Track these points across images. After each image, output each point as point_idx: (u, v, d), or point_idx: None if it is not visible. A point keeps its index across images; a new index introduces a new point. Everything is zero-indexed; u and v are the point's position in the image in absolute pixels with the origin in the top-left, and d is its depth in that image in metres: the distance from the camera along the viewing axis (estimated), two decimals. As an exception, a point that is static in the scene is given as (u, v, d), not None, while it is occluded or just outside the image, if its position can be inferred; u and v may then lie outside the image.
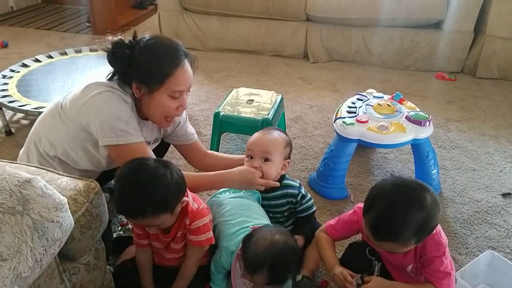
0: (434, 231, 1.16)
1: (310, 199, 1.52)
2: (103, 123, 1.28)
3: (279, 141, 1.46)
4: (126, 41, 1.35)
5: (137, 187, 1.14)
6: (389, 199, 1.10)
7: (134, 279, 1.36)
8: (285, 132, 1.57)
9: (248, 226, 1.37)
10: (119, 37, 1.35)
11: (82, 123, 1.31)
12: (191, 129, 1.66)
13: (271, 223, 1.43)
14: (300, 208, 1.50)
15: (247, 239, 1.23)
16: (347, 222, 1.32)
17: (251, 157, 1.45)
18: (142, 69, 1.33)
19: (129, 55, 1.32)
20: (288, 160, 1.50)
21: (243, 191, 1.51)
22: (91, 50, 2.87)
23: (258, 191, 1.49)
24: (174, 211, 1.21)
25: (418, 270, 1.23)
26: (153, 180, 1.15)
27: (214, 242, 1.33)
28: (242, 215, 1.40)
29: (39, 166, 1.16)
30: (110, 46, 1.34)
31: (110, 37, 1.35)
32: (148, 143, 1.49)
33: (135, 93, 1.36)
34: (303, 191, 1.50)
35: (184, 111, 1.49)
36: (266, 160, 1.42)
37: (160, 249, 1.35)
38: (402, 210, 1.08)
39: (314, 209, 1.53)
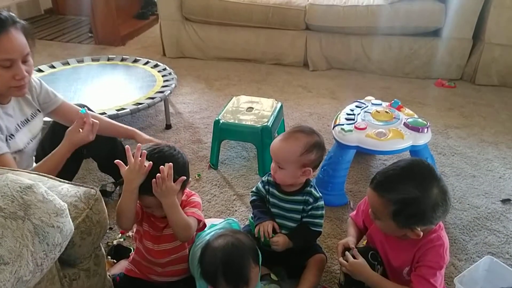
0: (442, 245, 1.18)
1: (321, 216, 1.45)
2: None
3: (293, 151, 1.36)
4: None
5: (162, 160, 1.22)
6: (402, 165, 1.18)
7: None
8: (315, 133, 1.43)
9: None
10: None
11: None
12: (53, 92, 1.60)
13: (284, 231, 1.44)
14: (308, 214, 1.45)
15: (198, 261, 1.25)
16: (359, 211, 1.46)
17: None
18: None
19: None
20: (309, 168, 1.39)
21: (222, 223, 1.49)
22: (93, 60, 2.90)
23: (252, 223, 1.48)
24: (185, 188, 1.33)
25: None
26: (175, 155, 1.28)
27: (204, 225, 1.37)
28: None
29: (41, 174, 1.18)
30: None
31: None
32: (27, 120, 1.49)
33: None
34: (320, 203, 1.45)
35: (36, 78, 1.52)
36: (280, 167, 1.39)
37: (151, 244, 1.34)
38: (403, 176, 1.15)
39: (318, 229, 1.46)
